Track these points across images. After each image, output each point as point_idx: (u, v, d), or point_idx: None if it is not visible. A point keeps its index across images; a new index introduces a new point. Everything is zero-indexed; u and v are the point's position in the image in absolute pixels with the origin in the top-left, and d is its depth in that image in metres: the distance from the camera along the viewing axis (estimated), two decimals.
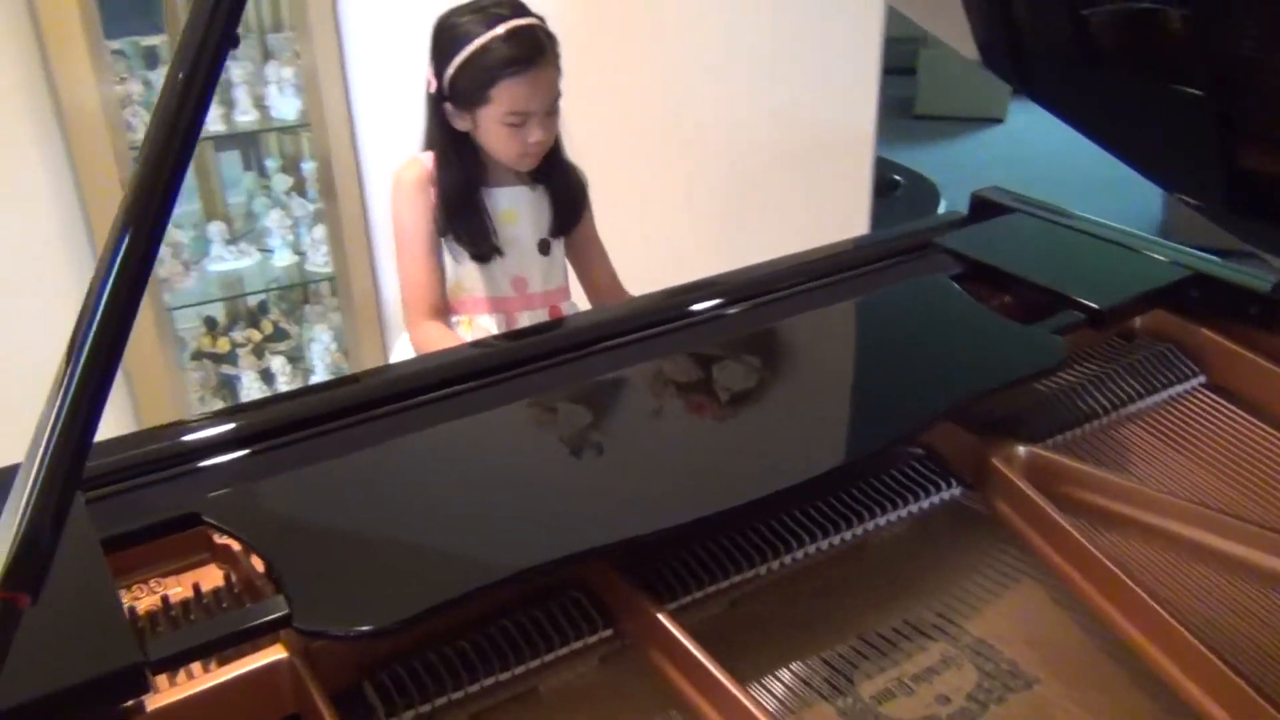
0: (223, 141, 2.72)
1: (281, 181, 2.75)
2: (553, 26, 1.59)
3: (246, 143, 2.83)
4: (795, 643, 0.89)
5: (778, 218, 2.58)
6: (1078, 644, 0.89)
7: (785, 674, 0.86)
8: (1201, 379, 1.19)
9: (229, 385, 2.69)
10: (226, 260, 2.62)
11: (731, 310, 1.24)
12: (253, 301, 2.82)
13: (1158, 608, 0.86)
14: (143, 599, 0.89)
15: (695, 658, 0.82)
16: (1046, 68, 1.29)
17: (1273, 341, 1.19)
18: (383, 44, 2.49)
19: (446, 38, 1.56)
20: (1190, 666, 0.83)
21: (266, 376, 2.67)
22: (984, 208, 1.48)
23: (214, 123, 2.45)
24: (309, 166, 2.72)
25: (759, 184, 2.54)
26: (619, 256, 1.82)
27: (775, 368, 1.15)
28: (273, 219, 2.64)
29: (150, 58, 2.54)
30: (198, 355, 2.69)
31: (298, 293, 2.86)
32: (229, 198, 2.82)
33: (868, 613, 0.93)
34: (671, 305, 1.24)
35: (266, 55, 2.58)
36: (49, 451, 0.52)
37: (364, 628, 0.76)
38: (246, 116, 2.48)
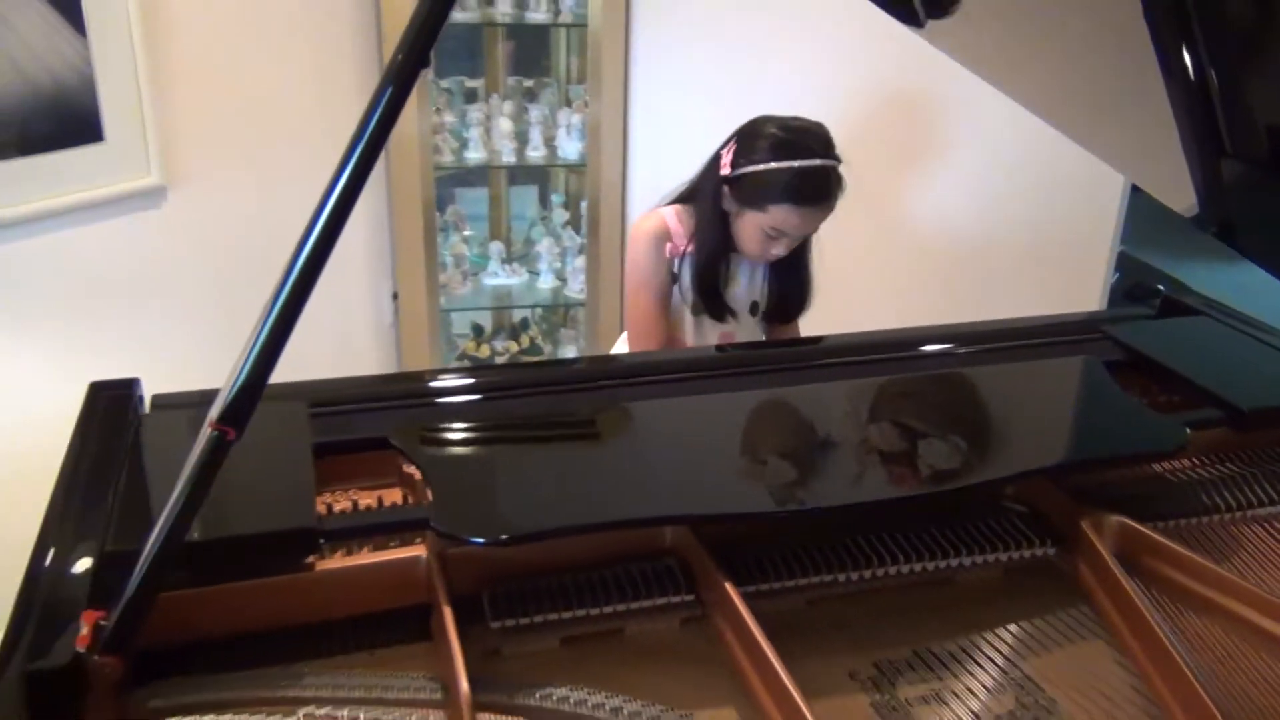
0: (516, 173, 3.08)
1: (560, 215, 3.07)
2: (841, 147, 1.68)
3: (538, 176, 3.18)
4: (856, 642, 1.00)
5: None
6: (1116, 693, 0.94)
7: (839, 663, 0.97)
8: None
9: None
10: (500, 276, 2.96)
11: (904, 357, 1.36)
12: (517, 316, 3.15)
13: (1193, 680, 0.89)
14: (340, 501, 1.12)
15: (752, 633, 0.94)
16: (1252, 203, 1.31)
17: None
18: (663, 106, 2.76)
19: (757, 141, 1.67)
20: None
21: None
22: (1172, 308, 1.50)
23: (508, 155, 2.80)
24: (585, 205, 3.03)
25: (999, 289, 2.57)
26: None
27: (923, 406, 1.25)
28: (544, 245, 2.96)
29: (470, 95, 2.94)
30: (462, 356, 3.04)
31: (558, 314, 3.17)
32: (513, 222, 3.18)
33: (932, 634, 1.01)
34: (857, 345, 1.38)
35: (566, 101, 2.91)
36: (266, 331, 0.75)
37: (479, 539, 0.94)
38: (536, 153, 2.81)
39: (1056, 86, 1.38)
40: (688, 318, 1.85)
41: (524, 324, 3.19)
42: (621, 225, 2.92)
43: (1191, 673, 0.90)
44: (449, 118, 2.78)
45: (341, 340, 2.72)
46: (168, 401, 1.18)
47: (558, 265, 3.00)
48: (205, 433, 0.76)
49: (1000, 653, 0.99)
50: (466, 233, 3.02)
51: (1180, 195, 1.33)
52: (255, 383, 0.76)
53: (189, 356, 2.26)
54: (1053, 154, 2.39)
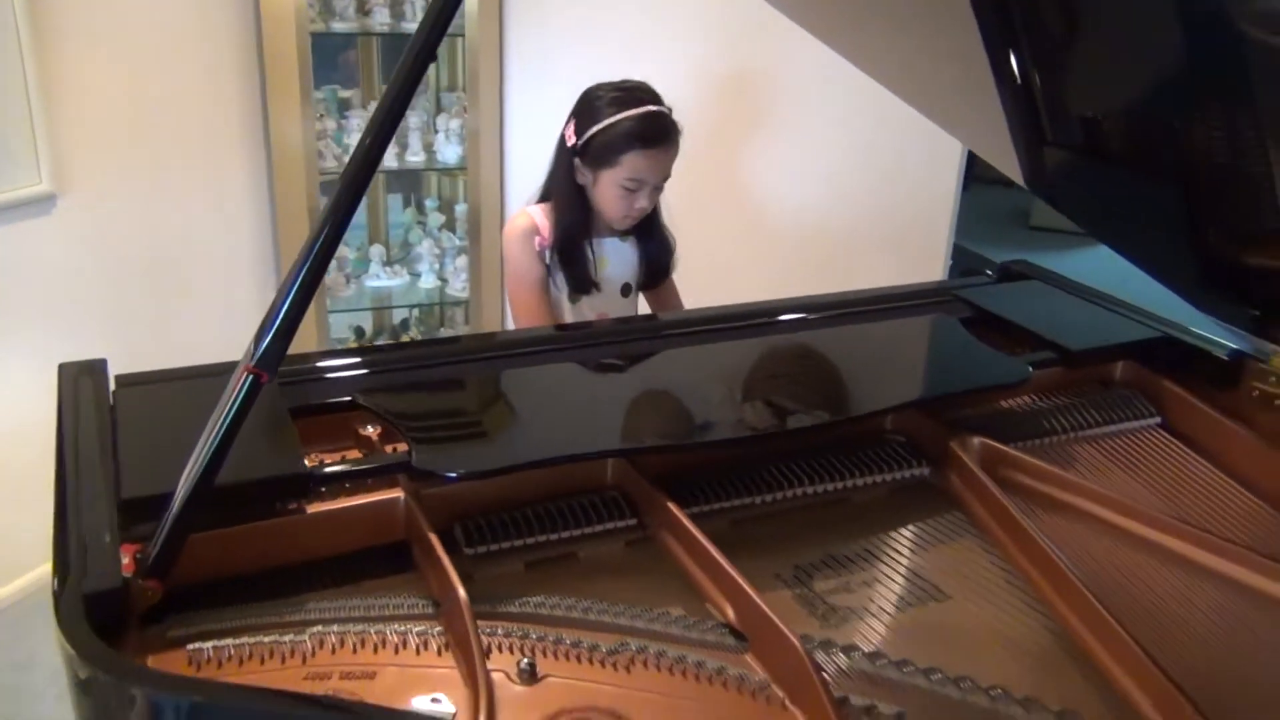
0: (392, 180, 3.18)
1: (436, 219, 3.18)
2: (682, 129, 1.87)
3: (410, 183, 3.28)
4: (776, 552, 1.18)
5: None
6: (991, 580, 1.15)
7: (764, 567, 1.14)
8: (1157, 420, 1.44)
9: None
10: (381, 278, 3.05)
11: (782, 322, 1.55)
12: (397, 318, 3.24)
13: (1058, 561, 1.11)
14: (310, 461, 1.23)
15: (699, 542, 1.11)
16: (1068, 179, 1.56)
17: (1223, 397, 1.43)
18: (538, 110, 2.92)
19: (594, 104, 1.83)
20: (1076, 607, 1.07)
21: None
22: (1009, 275, 1.76)
23: (389, 160, 2.90)
24: (461, 209, 3.15)
25: (842, 267, 2.83)
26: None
27: (805, 358, 1.45)
28: (424, 247, 3.07)
29: (344, 106, 3.02)
30: None
31: (434, 314, 3.28)
32: (391, 227, 3.27)
33: (838, 542, 1.20)
34: (735, 315, 1.56)
35: (439, 109, 3.03)
36: (299, 282, 0.88)
37: (453, 474, 1.08)
38: (416, 158, 2.92)
39: (905, 70, 1.61)
40: (566, 305, 1.99)
41: (404, 324, 3.28)
42: (501, 226, 3.06)
43: (1048, 549, 1.12)
44: (330, 124, 2.86)
45: (227, 341, 2.76)
46: (130, 380, 1.27)
47: (438, 267, 3.11)
48: (241, 376, 0.88)
49: (893, 552, 1.19)
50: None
51: (1013, 166, 1.57)
52: (288, 329, 0.88)
53: (81, 356, 2.28)
54: (895, 153, 2.67)
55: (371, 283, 3.06)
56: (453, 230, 3.16)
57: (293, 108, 2.69)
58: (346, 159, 2.83)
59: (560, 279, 1.93)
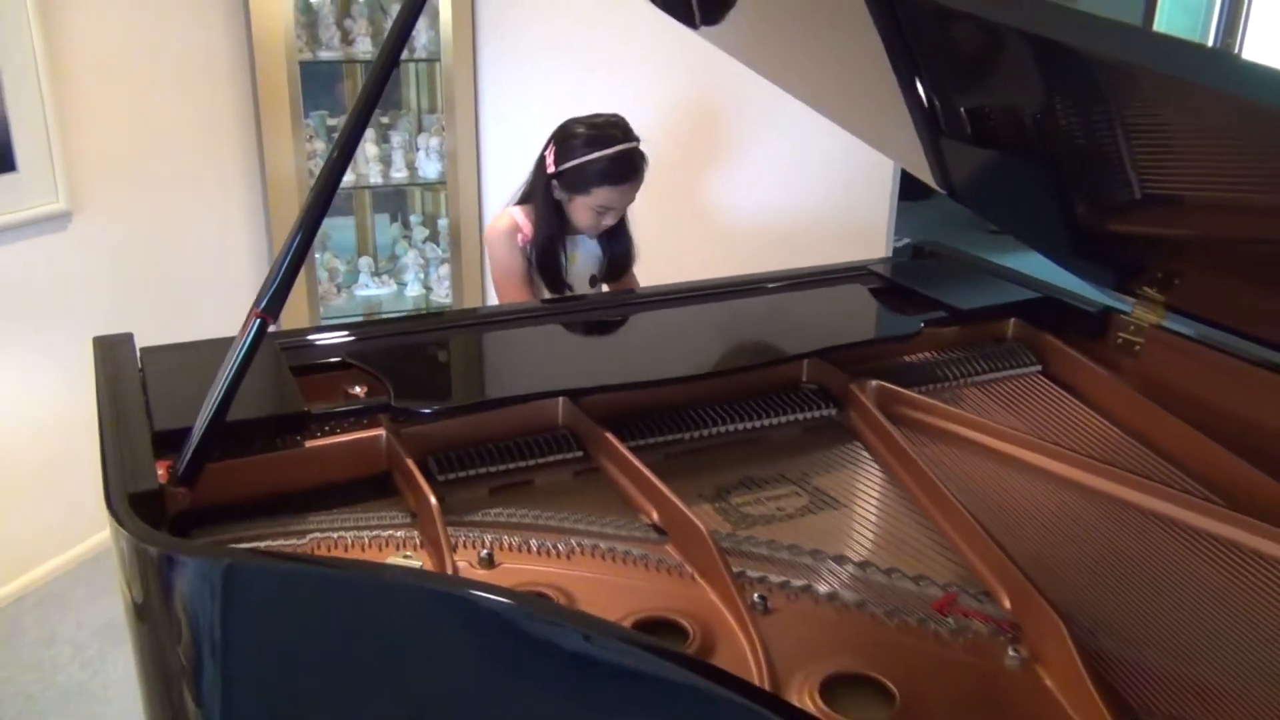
0: (378, 200, 3.41)
1: (420, 232, 3.41)
2: (643, 138, 2.10)
3: (395, 202, 3.52)
4: (700, 476, 1.40)
5: None
6: (880, 494, 1.37)
7: (689, 487, 1.36)
8: (1038, 368, 1.67)
9: None
10: (370, 288, 3.28)
11: (719, 294, 1.78)
12: None
13: (930, 474, 1.33)
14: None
15: (632, 464, 1.33)
16: (964, 174, 1.80)
17: (1092, 345, 1.66)
18: (511, 128, 3.16)
19: (570, 140, 2.05)
20: (944, 509, 1.29)
21: None
22: (920, 253, 1.99)
23: (375, 177, 3.14)
24: (443, 222, 3.39)
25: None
26: None
27: (735, 319, 1.68)
28: (410, 258, 3.30)
29: (331, 132, 3.25)
30: None
31: None
32: (378, 242, 3.51)
33: (755, 468, 1.43)
34: (672, 291, 1.79)
35: (420, 129, 3.27)
36: (297, 240, 1.10)
37: (427, 410, 1.31)
38: (400, 174, 3.16)
39: (827, 90, 1.85)
40: (545, 295, 2.24)
41: None
42: (480, 238, 3.30)
43: (923, 465, 1.34)
44: (319, 145, 3.10)
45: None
46: (152, 350, 1.49)
47: (423, 276, 3.34)
48: (250, 320, 1.10)
49: (799, 475, 1.41)
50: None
51: (924, 169, 1.81)
52: (287, 279, 1.11)
53: (88, 373, 2.51)
54: (838, 166, 2.91)
55: (361, 292, 3.28)
56: (436, 242, 3.40)
57: (284, 130, 2.93)
58: None
59: (537, 275, 2.18)
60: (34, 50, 2.33)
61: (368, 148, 3.13)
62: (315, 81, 3.10)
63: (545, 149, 2.12)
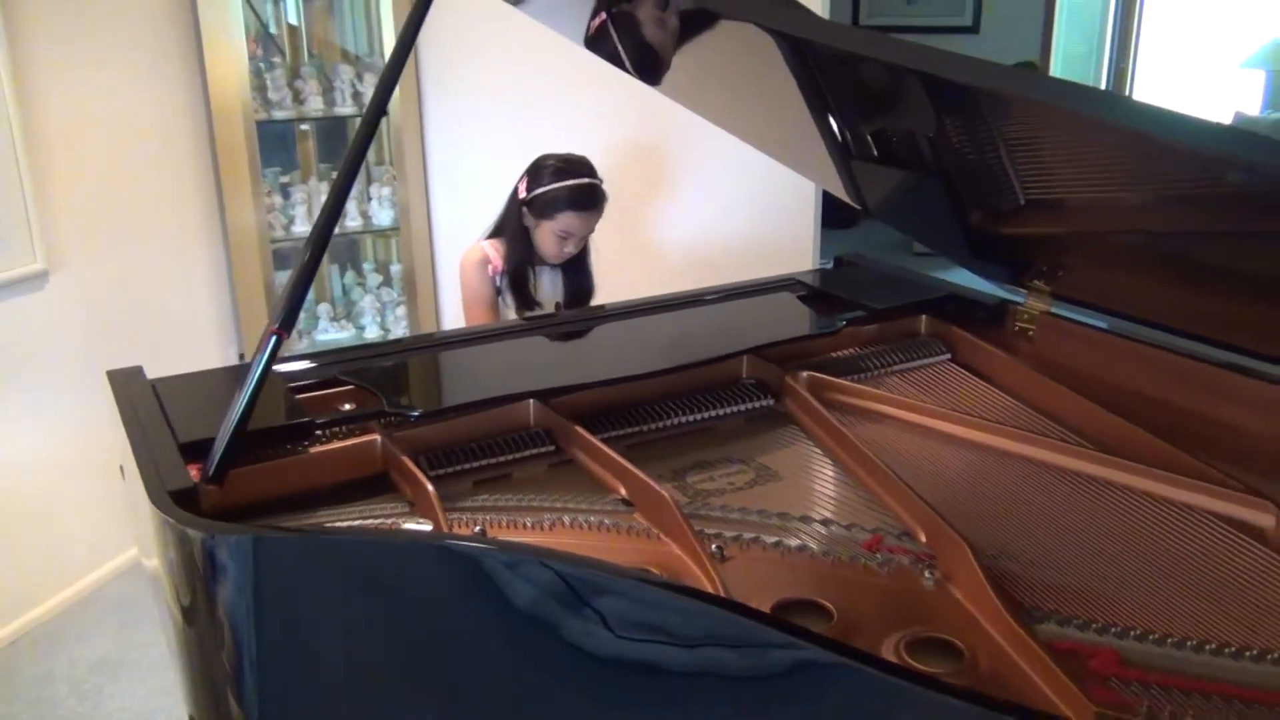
0: (332, 250, 3.58)
1: (374, 279, 3.59)
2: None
3: (348, 252, 3.69)
4: (659, 463, 1.59)
5: None
6: (817, 466, 1.58)
7: (649, 470, 1.55)
8: (948, 356, 1.90)
9: None
10: (330, 332, 3.44)
11: (666, 307, 1.99)
12: None
13: (858, 444, 1.54)
14: None
15: (600, 449, 1.52)
16: (873, 189, 2.03)
17: (993, 334, 1.90)
18: (458, 179, 3.36)
19: (541, 170, 2.33)
20: (872, 473, 1.50)
21: None
22: (841, 264, 2.22)
23: None
24: (396, 268, 3.56)
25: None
26: None
27: (682, 327, 1.89)
28: (366, 302, 3.47)
29: (284, 188, 3.42)
30: None
31: None
32: (334, 291, 3.67)
33: (706, 453, 1.62)
34: (627, 307, 2.00)
35: (370, 180, 3.46)
36: (305, 260, 1.29)
37: (415, 413, 1.49)
38: (354, 223, 3.34)
39: (755, 125, 2.08)
40: (513, 318, 2.44)
41: None
42: (433, 280, 3.48)
43: (851, 437, 1.55)
44: (278, 199, 3.27)
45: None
46: (161, 380, 1.66)
47: (380, 319, 3.51)
48: (267, 336, 1.28)
49: (745, 456, 1.61)
50: None
51: (842, 190, 2.04)
52: (298, 298, 1.29)
53: (72, 422, 2.65)
54: (766, 188, 3.15)
55: (321, 336, 3.44)
56: (390, 286, 3.57)
57: (244, 187, 3.10)
58: (293, 228, 3.26)
59: (509, 298, 2.40)
60: (10, 121, 2.48)
61: (324, 200, 3.30)
62: (270, 140, 3.27)
63: (519, 181, 2.36)
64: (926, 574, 1.26)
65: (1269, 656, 1.09)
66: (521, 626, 1.10)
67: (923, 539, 1.32)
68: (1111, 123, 1.21)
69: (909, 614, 1.21)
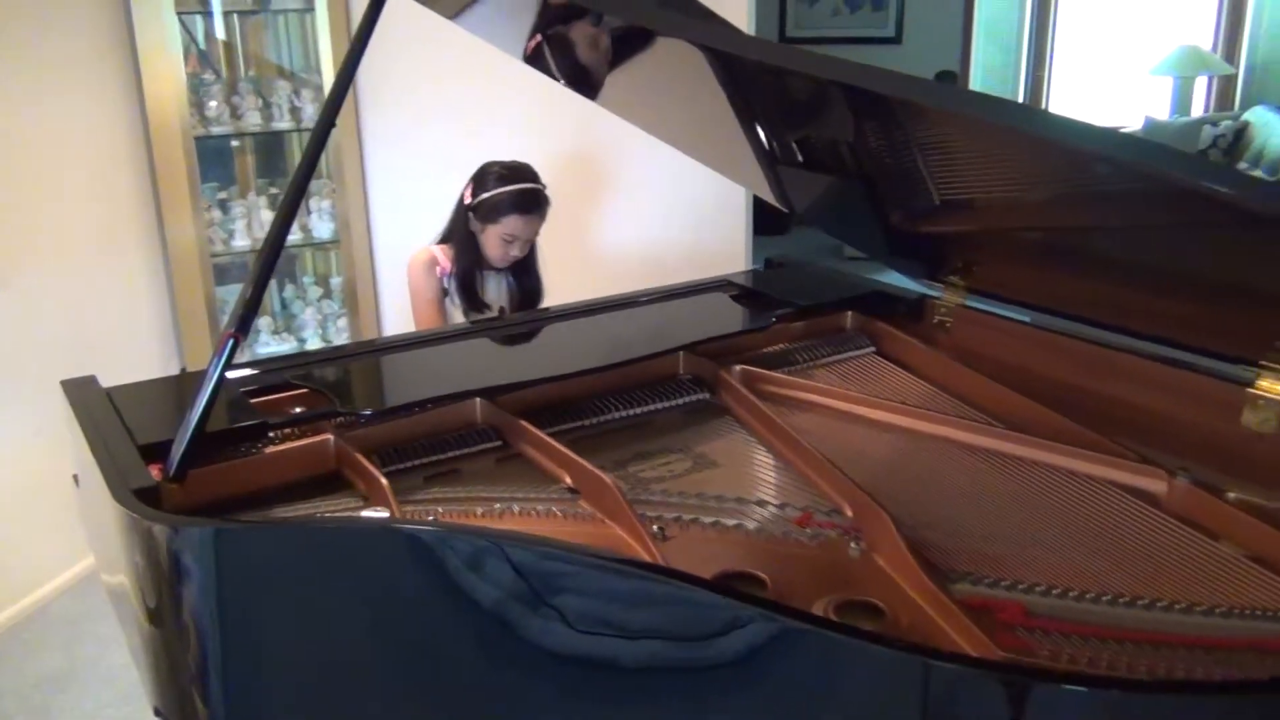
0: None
1: (315, 291, 3.63)
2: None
3: (287, 267, 3.72)
4: (602, 454, 1.67)
5: None
6: (751, 453, 1.67)
7: (593, 461, 1.63)
8: (873, 349, 2.01)
9: None
10: (271, 345, 3.47)
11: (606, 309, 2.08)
12: None
13: (788, 429, 1.64)
14: None
15: (546, 441, 1.60)
16: (800, 194, 2.14)
17: (914, 327, 2.01)
18: (397, 191, 3.42)
19: (486, 176, 2.42)
20: (801, 456, 1.59)
21: None
22: (772, 265, 2.33)
23: None
24: (337, 280, 3.60)
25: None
26: None
27: (621, 327, 1.97)
28: (308, 314, 3.51)
29: (223, 203, 3.45)
30: None
31: None
32: (274, 304, 3.70)
33: (646, 444, 1.71)
34: (569, 309, 2.08)
35: (309, 194, 3.50)
36: (259, 266, 1.35)
37: (367, 412, 1.56)
38: (294, 236, 3.38)
39: (688, 135, 2.18)
40: (459, 320, 2.51)
41: None
42: (374, 292, 3.53)
43: (781, 423, 1.65)
44: (217, 214, 3.30)
45: None
46: (112, 388, 1.70)
47: (321, 331, 3.55)
48: (224, 339, 1.34)
49: (683, 446, 1.70)
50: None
51: (770, 195, 2.14)
52: (254, 301, 1.36)
53: (15, 438, 2.67)
54: (700, 195, 3.25)
55: (263, 349, 3.46)
56: (331, 299, 3.61)
57: (183, 203, 3.12)
58: (232, 242, 3.29)
59: (458, 299, 2.49)
60: None
61: (263, 214, 3.34)
62: (208, 156, 3.30)
63: (465, 188, 2.45)
64: (853, 545, 1.36)
65: (1157, 605, 1.21)
66: (480, 605, 1.18)
67: (849, 514, 1.42)
68: (1000, 125, 1.32)
69: (837, 581, 1.30)
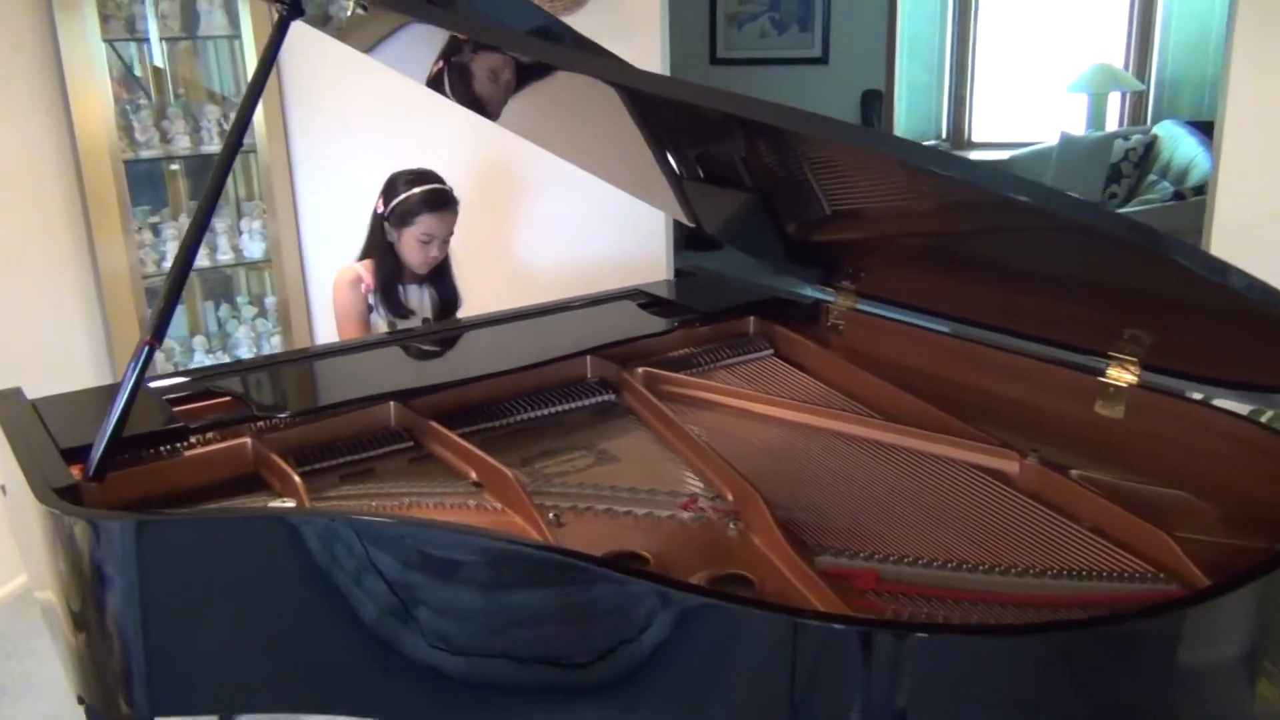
0: (204, 287, 3.68)
1: (249, 311, 3.69)
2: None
3: (221, 286, 3.79)
4: (510, 453, 1.77)
5: None
6: (649, 449, 1.78)
7: (500, 459, 1.73)
8: (771, 351, 2.13)
9: None
10: (206, 363, 3.53)
11: (512, 316, 2.19)
12: None
13: (683, 426, 1.75)
14: None
15: (454, 440, 1.69)
16: (706, 209, 2.26)
17: (808, 329, 2.14)
18: (327, 212, 3.50)
19: (396, 184, 2.54)
20: (694, 451, 1.71)
21: None
22: (682, 275, 2.45)
23: (202, 259, 3.41)
24: (270, 300, 3.67)
25: None
26: None
27: (532, 334, 2.08)
28: (242, 333, 3.57)
29: (154, 226, 3.50)
30: None
31: None
32: (208, 323, 3.76)
33: (553, 443, 1.81)
34: (483, 319, 2.18)
35: (241, 215, 3.58)
36: (172, 276, 1.44)
37: (284, 414, 1.65)
38: (225, 256, 3.45)
39: (601, 159, 2.29)
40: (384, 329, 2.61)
41: None
42: (306, 310, 3.61)
43: (679, 422, 1.76)
44: (148, 236, 3.36)
45: None
46: (39, 400, 1.77)
47: (255, 349, 3.61)
48: (141, 346, 1.43)
49: (587, 444, 1.81)
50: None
51: (679, 212, 2.26)
52: (167, 310, 1.44)
53: None
54: (620, 208, 3.37)
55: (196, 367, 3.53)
56: (265, 318, 3.68)
57: (114, 227, 3.18)
58: (164, 264, 3.34)
59: (383, 311, 2.58)
60: None
61: None
62: (138, 179, 3.36)
63: (377, 200, 2.55)
64: (731, 525, 1.48)
65: (996, 569, 1.33)
66: (376, 583, 1.28)
67: (730, 498, 1.54)
68: (854, 147, 1.45)
69: (714, 557, 1.42)
